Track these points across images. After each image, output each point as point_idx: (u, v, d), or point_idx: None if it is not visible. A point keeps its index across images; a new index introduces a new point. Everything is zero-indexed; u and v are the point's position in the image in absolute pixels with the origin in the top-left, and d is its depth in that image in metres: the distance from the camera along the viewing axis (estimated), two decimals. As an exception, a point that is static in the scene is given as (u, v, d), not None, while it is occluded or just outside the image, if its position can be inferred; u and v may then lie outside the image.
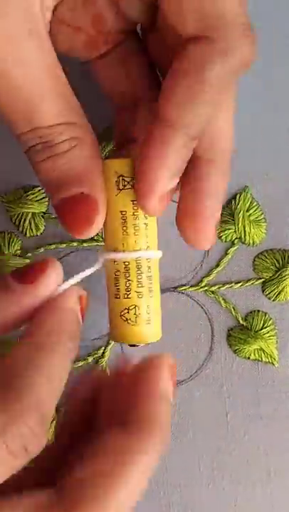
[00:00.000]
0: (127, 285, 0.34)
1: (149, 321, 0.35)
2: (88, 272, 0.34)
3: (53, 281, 0.30)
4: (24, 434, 0.24)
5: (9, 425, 0.23)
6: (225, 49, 0.28)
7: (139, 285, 0.34)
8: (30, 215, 0.43)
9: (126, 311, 0.35)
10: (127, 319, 0.35)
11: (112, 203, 0.33)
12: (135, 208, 0.33)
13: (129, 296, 0.35)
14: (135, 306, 0.35)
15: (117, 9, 0.31)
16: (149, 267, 0.34)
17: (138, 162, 0.31)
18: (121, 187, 0.33)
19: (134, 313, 0.35)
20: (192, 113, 0.29)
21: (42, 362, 0.26)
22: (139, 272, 0.34)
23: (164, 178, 0.30)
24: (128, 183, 0.33)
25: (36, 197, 0.44)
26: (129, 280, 0.34)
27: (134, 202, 0.33)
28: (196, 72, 0.28)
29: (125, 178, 0.33)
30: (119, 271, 0.34)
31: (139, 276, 0.34)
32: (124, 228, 0.33)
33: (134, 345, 0.37)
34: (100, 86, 0.36)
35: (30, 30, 0.28)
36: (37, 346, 0.27)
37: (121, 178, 0.33)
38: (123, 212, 0.33)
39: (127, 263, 0.34)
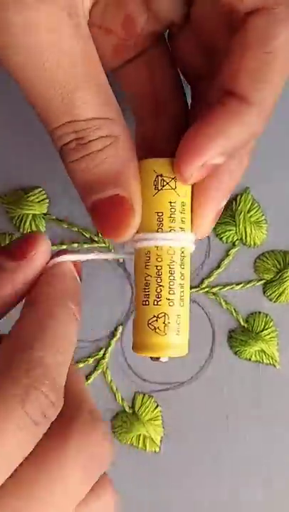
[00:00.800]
0: (158, 291, 0.32)
1: (178, 331, 0.32)
2: (93, 256, 0.32)
3: (44, 252, 0.29)
4: (41, 402, 0.24)
5: (27, 395, 0.24)
6: (287, 17, 0.27)
7: (171, 291, 0.32)
8: (30, 216, 0.43)
9: (154, 318, 0.32)
10: (154, 328, 0.32)
11: (148, 203, 0.32)
12: (173, 209, 0.32)
13: (160, 303, 0.32)
14: (165, 314, 0.32)
15: (149, 10, 0.31)
16: (182, 272, 0.32)
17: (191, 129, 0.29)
18: (159, 187, 0.32)
19: (163, 322, 0.32)
20: (266, 84, 0.28)
21: (46, 329, 0.26)
22: (171, 277, 0.32)
23: (219, 147, 0.29)
24: (167, 183, 0.32)
25: (37, 198, 0.43)
26: (161, 286, 0.32)
27: (172, 203, 0.32)
28: (264, 42, 0.27)
29: (164, 178, 0.32)
30: (150, 275, 0.32)
31: (171, 283, 0.32)
32: (160, 231, 0.32)
33: (157, 359, 0.34)
34: (125, 94, 0.35)
35: (69, 14, 0.27)
36: (38, 315, 0.27)
37: (160, 178, 0.32)
38: (159, 214, 0.32)
39: (159, 266, 0.32)
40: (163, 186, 0.32)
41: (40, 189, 0.44)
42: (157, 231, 0.32)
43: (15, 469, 0.24)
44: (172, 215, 0.32)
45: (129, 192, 0.30)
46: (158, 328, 0.32)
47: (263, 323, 0.43)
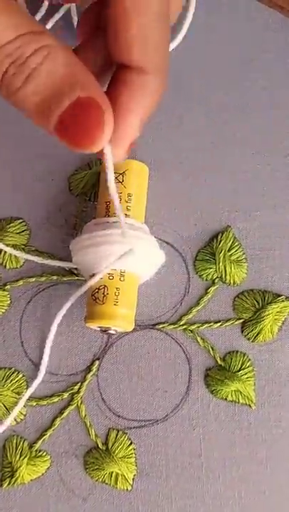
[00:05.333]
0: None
1: (116, 302, 0.39)
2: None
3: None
4: None
5: None
6: None
7: (112, 268, 0.39)
8: (10, 247, 0.43)
9: (96, 290, 0.39)
10: (95, 298, 0.39)
11: (100, 196, 0.42)
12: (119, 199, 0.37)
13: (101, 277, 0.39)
14: (105, 286, 0.39)
15: None
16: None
17: (113, 108, 0.28)
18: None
19: (103, 293, 0.39)
20: (158, 50, 0.28)
21: None
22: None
23: (139, 127, 0.29)
24: (116, 178, 0.39)
25: (17, 229, 0.43)
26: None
27: (120, 194, 0.40)
28: (143, 10, 0.27)
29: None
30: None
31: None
32: (107, 216, 0.40)
33: (105, 331, 0.40)
34: None
35: None
36: None
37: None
38: (107, 203, 0.41)
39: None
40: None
41: (20, 220, 0.44)
42: (104, 217, 0.40)
43: None
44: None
45: (89, 90, 0.26)
46: (98, 298, 0.39)
47: (240, 363, 0.43)
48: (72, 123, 0.26)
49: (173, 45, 0.47)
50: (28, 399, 0.43)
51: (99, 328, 0.40)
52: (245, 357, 0.43)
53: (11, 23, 0.26)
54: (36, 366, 0.43)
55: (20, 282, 0.44)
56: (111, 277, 0.39)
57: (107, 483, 0.42)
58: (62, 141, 0.27)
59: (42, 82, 0.26)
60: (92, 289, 0.40)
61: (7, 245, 0.43)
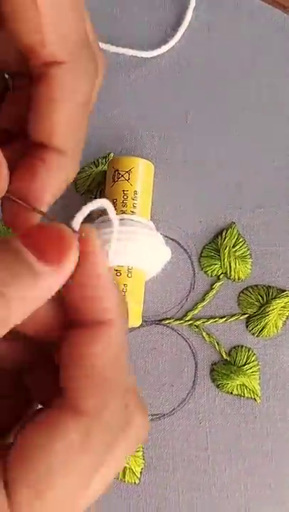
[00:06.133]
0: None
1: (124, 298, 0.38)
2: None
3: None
4: None
5: None
6: (88, 69, 0.28)
7: (119, 265, 0.40)
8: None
9: None
10: None
11: (108, 193, 0.42)
12: (125, 196, 0.41)
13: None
14: None
15: None
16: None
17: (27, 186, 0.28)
18: (116, 179, 0.42)
19: None
20: (78, 134, 0.28)
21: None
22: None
23: (50, 201, 0.29)
24: (122, 176, 0.42)
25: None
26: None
27: (125, 191, 0.42)
28: (71, 104, 0.28)
29: (120, 172, 0.41)
30: None
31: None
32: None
33: None
34: None
35: None
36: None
37: (116, 171, 0.42)
38: (114, 200, 0.42)
39: None
40: (118, 178, 0.42)
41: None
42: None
43: None
44: (124, 201, 0.41)
45: None
46: None
47: (246, 357, 0.43)
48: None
49: (171, 44, 0.47)
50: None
51: None
52: (250, 351, 0.44)
53: None
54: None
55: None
56: (118, 274, 0.40)
57: (115, 477, 0.43)
58: None
59: None
60: None
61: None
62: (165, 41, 0.47)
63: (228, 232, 0.44)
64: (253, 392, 0.43)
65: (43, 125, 0.29)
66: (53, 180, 0.29)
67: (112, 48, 0.47)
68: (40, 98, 0.28)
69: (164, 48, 0.47)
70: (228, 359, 0.44)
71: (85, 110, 0.29)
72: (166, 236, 0.44)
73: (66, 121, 0.28)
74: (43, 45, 0.27)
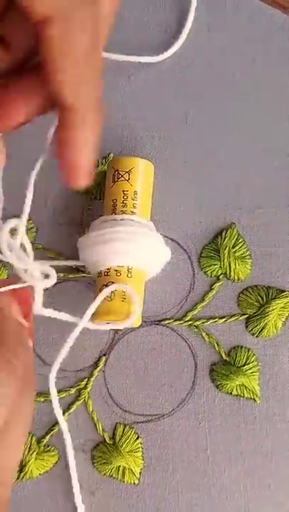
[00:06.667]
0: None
1: (123, 299, 0.39)
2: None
3: None
4: None
5: None
6: (82, 24, 0.28)
7: (119, 265, 0.40)
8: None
9: (104, 287, 0.40)
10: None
11: (108, 193, 0.42)
12: (125, 197, 0.41)
13: (108, 273, 0.40)
14: (112, 282, 0.39)
15: None
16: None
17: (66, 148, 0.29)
18: (116, 179, 0.42)
19: (111, 290, 0.39)
20: (87, 92, 0.29)
21: None
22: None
23: (91, 153, 0.30)
24: (122, 176, 0.42)
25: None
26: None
27: (125, 192, 0.41)
28: (68, 52, 0.27)
29: (120, 172, 0.42)
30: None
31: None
32: (113, 214, 0.41)
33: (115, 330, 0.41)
34: None
35: None
36: None
37: (116, 172, 0.42)
38: (114, 200, 0.42)
39: None
40: (118, 179, 0.42)
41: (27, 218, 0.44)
42: (111, 214, 0.41)
43: None
44: (124, 201, 0.41)
45: None
46: (107, 296, 0.39)
47: (245, 358, 0.43)
48: None
49: (175, 47, 0.47)
50: (36, 395, 0.44)
51: (107, 324, 0.41)
52: (250, 352, 0.44)
53: None
54: (44, 362, 0.44)
55: (28, 279, 0.44)
56: (118, 274, 0.40)
57: (114, 477, 0.43)
58: None
59: None
60: (99, 286, 0.40)
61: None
62: (166, 44, 0.47)
63: (228, 232, 0.44)
64: (252, 392, 0.43)
65: (52, 86, 0.28)
66: (80, 142, 0.29)
67: (114, 56, 0.46)
68: (43, 62, 0.28)
69: (166, 54, 0.47)
70: (228, 359, 0.44)
71: (91, 59, 0.28)
72: (166, 236, 0.44)
73: (71, 79, 0.28)
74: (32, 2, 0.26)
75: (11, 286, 0.31)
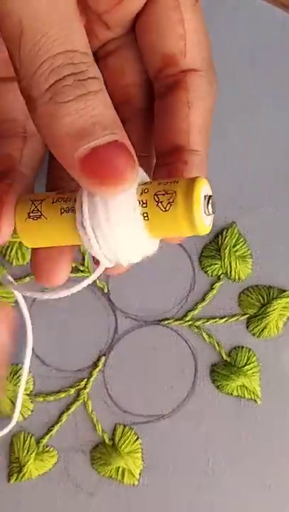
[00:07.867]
0: None
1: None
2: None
3: None
4: None
5: None
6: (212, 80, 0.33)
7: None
8: (16, 244, 0.43)
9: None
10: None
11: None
12: None
13: None
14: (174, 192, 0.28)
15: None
16: None
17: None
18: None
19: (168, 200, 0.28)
20: (208, 138, 0.31)
21: None
22: None
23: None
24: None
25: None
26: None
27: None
28: (205, 103, 0.31)
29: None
30: None
31: None
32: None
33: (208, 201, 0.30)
34: None
35: None
36: None
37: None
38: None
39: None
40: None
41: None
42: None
43: None
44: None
45: (123, 137, 0.25)
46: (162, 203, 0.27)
47: (246, 358, 0.43)
48: (104, 160, 0.25)
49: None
50: (35, 395, 0.43)
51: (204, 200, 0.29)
52: (251, 352, 0.43)
53: (84, 39, 0.25)
54: (43, 362, 0.44)
55: (27, 279, 0.44)
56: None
57: (114, 478, 0.43)
58: (82, 172, 0.25)
59: (91, 107, 0.25)
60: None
61: (13, 243, 0.44)
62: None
63: (229, 231, 0.44)
64: (253, 393, 0.43)
65: (180, 127, 0.30)
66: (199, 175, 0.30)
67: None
68: (176, 102, 0.31)
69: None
70: (229, 360, 0.43)
71: (211, 116, 0.31)
72: (166, 236, 0.44)
73: (200, 123, 0.31)
74: (183, 54, 0.30)
75: None
